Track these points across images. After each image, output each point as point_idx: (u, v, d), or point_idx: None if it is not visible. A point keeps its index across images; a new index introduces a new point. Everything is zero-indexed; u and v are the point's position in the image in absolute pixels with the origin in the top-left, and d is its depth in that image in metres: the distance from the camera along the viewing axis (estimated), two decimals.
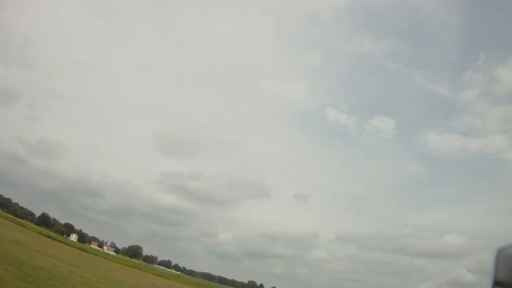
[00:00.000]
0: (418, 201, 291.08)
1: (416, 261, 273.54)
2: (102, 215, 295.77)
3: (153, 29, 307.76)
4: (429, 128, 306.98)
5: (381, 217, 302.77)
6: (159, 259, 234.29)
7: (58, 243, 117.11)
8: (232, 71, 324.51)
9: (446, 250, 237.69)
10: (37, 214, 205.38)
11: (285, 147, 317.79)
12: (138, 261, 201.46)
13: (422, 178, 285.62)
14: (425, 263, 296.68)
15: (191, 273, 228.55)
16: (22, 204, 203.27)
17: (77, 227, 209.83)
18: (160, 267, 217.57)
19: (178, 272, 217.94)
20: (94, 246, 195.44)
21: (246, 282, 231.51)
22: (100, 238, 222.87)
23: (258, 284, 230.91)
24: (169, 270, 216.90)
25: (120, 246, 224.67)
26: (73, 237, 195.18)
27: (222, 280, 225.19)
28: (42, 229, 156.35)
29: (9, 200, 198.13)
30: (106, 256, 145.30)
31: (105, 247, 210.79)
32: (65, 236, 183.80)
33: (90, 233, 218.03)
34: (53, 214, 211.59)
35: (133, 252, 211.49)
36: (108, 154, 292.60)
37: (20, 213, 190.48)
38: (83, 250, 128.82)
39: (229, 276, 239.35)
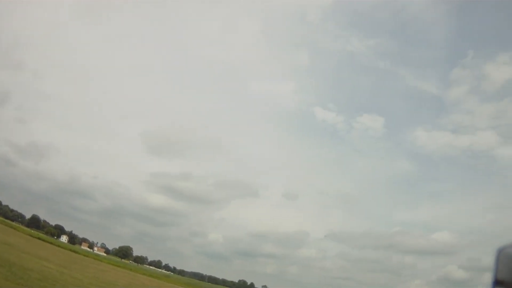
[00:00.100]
0: (408, 199, 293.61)
1: (407, 259, 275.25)
2: (92, 216, 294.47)
3: (140, 30, 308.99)
4: (418, 126, 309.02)
5: (371, 215, 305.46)
6: (149, 259, 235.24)
7: (48, 244, 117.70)
8: (220, 71, 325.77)
9: (436, 247, 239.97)
10: (28, 216, 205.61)
11: (274, 146, 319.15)
12: (128, 261, 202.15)
13: (411, 176, 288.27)
14: (415, 260, 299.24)
15: (181, 273, 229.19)
16: (12, 206, 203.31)
17: (67, 229, 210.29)
18: (151, 267, 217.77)
19: (169, 272, 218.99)
20: (84, 247, 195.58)
21: (237, 281, 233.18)
22: (91, 239, 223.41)
23: (248, 283, 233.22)
24: (160, 270, 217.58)
25: (110, 247, 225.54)
26: (64, 239, 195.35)
27: (212, 280, 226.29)
28: (32, 231, 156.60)
29: None
30: (96, 257, 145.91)
31: (95, 248, 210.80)
32: (55, 237, 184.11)
33: (80, 234, 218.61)
34: (43, 216, 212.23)
35: (123, 252, 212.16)
36: (97, 155, 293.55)
37: (10, 216, 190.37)
38: (74, 251, 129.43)
39: (220, 275, 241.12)
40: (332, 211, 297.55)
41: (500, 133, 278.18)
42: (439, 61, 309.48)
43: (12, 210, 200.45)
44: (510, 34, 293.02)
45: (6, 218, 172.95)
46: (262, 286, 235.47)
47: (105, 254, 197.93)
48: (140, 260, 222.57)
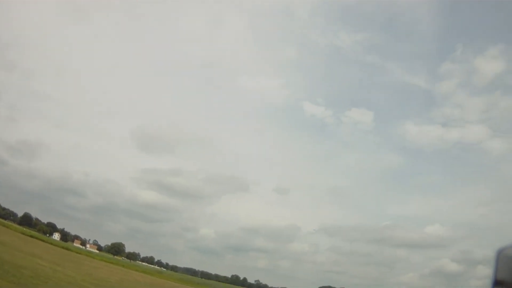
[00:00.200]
0: (399, 192, 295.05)
1: (399, 252, 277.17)
2: (84, 213, 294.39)
3: (128, 28, 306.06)
4: (408, 120, 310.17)
5: (362, 208, 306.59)
6: (142, 255, 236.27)
7: (41, 242, 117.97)
8: (208, 68, 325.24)
9: (428, 241, 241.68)
10: (20, 214, 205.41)
11: (264, 141, 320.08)
12: (121, 258, 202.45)
13: (402, 169, 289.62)
14: (408, 254, 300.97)
15: (174, 268, 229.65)
16: (4, 204, 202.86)
17: (59, 226, 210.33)
18: (143, 263, 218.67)
19: (161, 268, 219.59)
20: (77, 244, 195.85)
21: (229, 276, 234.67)
22: (83, 236, 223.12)
23: (241, 278, 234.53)
24: (152, 266, 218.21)
25: (102, 243, 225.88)
26: (56, 236, 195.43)
27: (205, 275, 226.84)
28: (24, 229, 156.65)
29: None
30: (89, 254, 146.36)
31: (88, 245, 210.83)
32: (47, 235, 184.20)
33: (72, 231, 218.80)
34: (35, 213, 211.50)
35: (116, 249, 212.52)
36: (88, 152, 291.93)
37: (2, 214, 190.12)
38: (66, 248, 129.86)
39: (212, 271, 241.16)
40: (323, 205, 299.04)
41: (490, 126, 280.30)
42: (428, 55, 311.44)
43: (4, 209, 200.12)
44: (499, 28, 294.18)
45: None
46: (255, 281, 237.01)
47: (97, 251, 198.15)
48: (133, 256, 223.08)
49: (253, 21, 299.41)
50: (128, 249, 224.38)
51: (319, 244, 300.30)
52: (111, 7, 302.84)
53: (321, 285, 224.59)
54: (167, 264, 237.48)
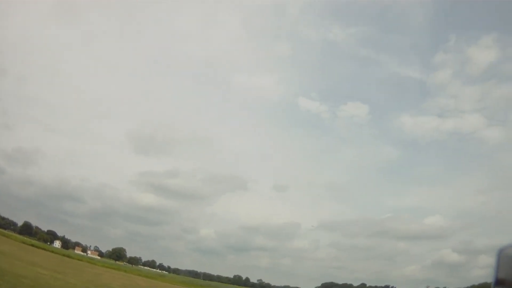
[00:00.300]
0: (398, 185, 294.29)
1: (400, 244, 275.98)
2: (83, 219, 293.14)
3: (120, 29, 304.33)
4: (403, 111, 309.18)
5: (361, 202, 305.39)
6: (143, 259, 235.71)
7: (42, 250, 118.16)
8: (202, 67, 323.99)
9: (429, 232, 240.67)
10: (19, 223, 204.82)
11: (260, 139, 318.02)
12: (122, 263, 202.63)
13: (400, 161, 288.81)
14: (409, 246, 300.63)
15: (176, 271, 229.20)
16: (3, 214, 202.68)
17: (59, 233, 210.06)
18: (145, 267, 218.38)
19: (163, 272, 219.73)
20: (78, 251, 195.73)
21: (232, 276, 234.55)
22: (84, 242, 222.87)
23: (243, 278, 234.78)
24: (154, 270, 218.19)
25: (103, 249, 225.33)
26: (57, 244, 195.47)
27: (207, 277, 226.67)
28: (25, 238, 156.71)
29: None
30: (90, 260, 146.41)
31: (89, 252, 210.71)
32: (48, 243, 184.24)
33: (73, 238, 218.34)
34: (35, 222, 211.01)
35: (117, 254, 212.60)
36: (85, 157, 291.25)
37: (2, 224, 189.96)
38: (67, 256, 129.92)
39: (214, 272, 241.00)
40: (322, 201, 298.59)
41: (486, 115, 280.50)
42: (421, 46, 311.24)
43: (3, 218, 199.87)
44: (492, 17, 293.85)
45: None
46: (257, 280, 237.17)
47: (99, 257, 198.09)
48: (134, 261, 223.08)
49: (246, 19, 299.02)
50: (129, 253, 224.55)
51: (320, 240, 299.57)
52: (102, 9, 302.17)
53: (323, 282, 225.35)
54: (169, 267, 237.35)
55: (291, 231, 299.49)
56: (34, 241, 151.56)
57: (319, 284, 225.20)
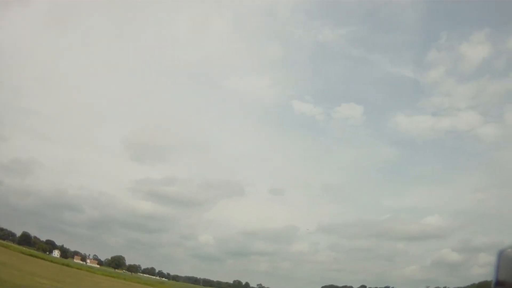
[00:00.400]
0: (395, 185, 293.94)
1: (399, 245, 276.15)
2: (82, 228, 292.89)
3: (110, 36, 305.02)
4: (398, 111, 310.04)
5: (359, 204, 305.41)
6: (143, 267, 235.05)
7: (40, 260, 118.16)
8: (195, 72, 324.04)
9: (428, 232, 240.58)
10: (18, 233, 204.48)
11: (255, 143, 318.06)
12: (122, 271, 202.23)
13: (396, 162, 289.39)
14: (408, 246, 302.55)
15: (175, 278, 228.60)
16: (1, 225, 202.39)
17: (58, 243, 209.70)
18: (145, 275, 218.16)
19: (163, 279, 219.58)
20: (77, 260, 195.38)
21: (232, 282, 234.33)
22: (82, 251, 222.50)
23: (243, 283, 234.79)
24: (154, 277, 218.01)
25: (102, 257, 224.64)
26: (56, 253, 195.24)
27: (207, 283, 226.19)
28: (24, 248, 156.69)
29: None
30: (90, 269, 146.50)
31: (88, 260, 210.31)
32: (47, 253, 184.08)
33: (72, 247, 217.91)
34: (33, 232, 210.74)
35: (116, 262, 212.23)
36: (81, 166, 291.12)
37: (0, 234, 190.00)
38: (66, 265, 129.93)
39: (214, 277, 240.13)
40: (319, 203, 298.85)
41: (481, 112, 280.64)
42: (413, 45, 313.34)
43: (2, 229, 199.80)
44: (483, 13, 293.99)
45: None
46: (257, 285, 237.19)
47: (98, 266, 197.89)
48: (134, 268, 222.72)
49: (237, 22, 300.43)
50: (129, 261, 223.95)
51: (319, 243, 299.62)
52: (93, 16, 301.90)
53: (323, 285, 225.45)
54: (168, 274, 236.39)
55: (289, 235, 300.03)
56: (33, 251, 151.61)
57: (319, 287, 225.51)
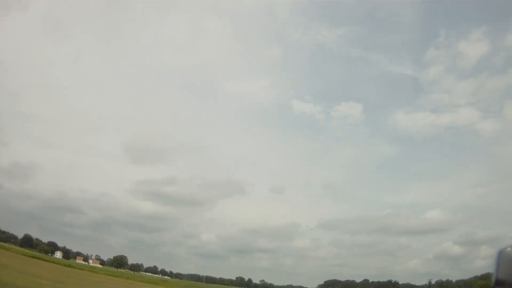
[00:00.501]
0: (396, 181, 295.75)
1: (401, 240, 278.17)
2: (83, 229, 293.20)
3: (109, 41, 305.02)
4: (397, 109, 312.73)
5: (360, 200, 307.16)
6: (145, 266, 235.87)
7: (43, 262, 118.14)
8: (193, 73, 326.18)
9: (429, 226, 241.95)
10: (20, 236, 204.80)
11: (256, 142, 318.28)
12: (124, 270, 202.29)
13: (397, 158, 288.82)
14: (410, 241, 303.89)
15: (178, 276, 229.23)
16: (3, 228, 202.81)
17: (60, 244, 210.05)
18: (147, 273, 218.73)
19: (166, 277, 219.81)
20: (79, 261, 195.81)
21: (234, 278, 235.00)
22: (85, 252, 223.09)
23: (246, 280, 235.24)
24: (157, 275, 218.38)
25: (105, 258, 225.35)
26: (58, 255, 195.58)
27: (210, 280, 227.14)
28: (26, 250, 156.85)
29: None
30: (92, 269, 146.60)
31: (90, 261, 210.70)
32: (49, 254, 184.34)
33: (74, 248, 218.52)
34: (35, 234, 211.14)
35: (119, 262, 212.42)
36: (81, 169, 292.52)
37: (2, 237, 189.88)
38: (69, 266, 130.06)
39: (217, 275, 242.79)
40: (321, 200, 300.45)
41: (481, 108, 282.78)
42: (412, 43, 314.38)
43: (4, 232, 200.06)
44: (480, 10, 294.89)
45: None
46: (260, 281, 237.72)
47: (100, 266, 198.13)
48: (136, 267, 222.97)
49: (236, 24, 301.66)
50: (131, 260, 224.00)
51: (321, 239, 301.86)
52: (91, 22, 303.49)
53: (326, 279, 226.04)
54: (171, 272, 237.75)
55: (291, 232, 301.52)
56: (35, 253, 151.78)
57: (322, 282, 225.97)
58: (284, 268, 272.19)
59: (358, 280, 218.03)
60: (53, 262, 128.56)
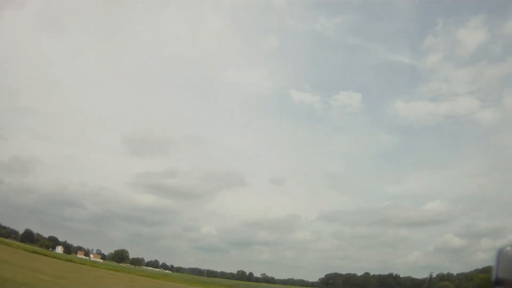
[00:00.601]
0: (396, 171, 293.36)
1: (402, 232, 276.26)
2: (84, 223, 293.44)
3: (108, 34, 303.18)
4: (396, 98, 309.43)
5: (360, 191, 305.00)
6: (146, 260, 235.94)
7: (44, 257, 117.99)
8: (191, 66, 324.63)
9: (430, 217, 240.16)
10: (21, 231, 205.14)
11: (254, 133, 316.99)
12: (125, 265, 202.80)
13: (396, 148, 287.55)
14: (411, 233, 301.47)
15: (179, 270, 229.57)
16: (4, 223, 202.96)
17: (61, 239, 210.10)
18: (148, 268, 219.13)
19: (167, 271, 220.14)
20: (80, 255, 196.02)
21: (235, 272, 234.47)
22: (86, 246, 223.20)
23: (247, 273, 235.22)
24: (158, 270, 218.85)
25: (106, 252, 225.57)
26: (59, 249, 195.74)
27: (211, 273, 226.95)
28: (27, 245, 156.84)
29: None
30: (93, 264, 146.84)
31: (91, 255, 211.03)
32: (50, 249, 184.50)
33: (75, 243, 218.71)
34: (36, 229, 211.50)
35: (120, 256, 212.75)
36: (81, 163, 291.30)
37: (3, 233, 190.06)
38: (70, 260, 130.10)
39: (218, 268, 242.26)
40: (321, 192, 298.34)
41: (479, 97, 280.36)
42: (410, 31, 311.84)
43: (4, 227, 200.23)
44: None
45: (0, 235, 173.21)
46: (261, 274, 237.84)
47: (101, 260, 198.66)
48: (137, 262, 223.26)
49: (232, 15, 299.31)
50: (132, 254, 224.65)
51: (321, 231, 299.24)
52: (92, 15, 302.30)
53: (327, 273, 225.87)
54: (172, 266, 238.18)
55: (292, 224, 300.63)
56: (36, 248, 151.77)
57: (323, 276, 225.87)
58: (285, 261, 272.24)
59: (359, 273, 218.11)
60: (54, 257, 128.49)
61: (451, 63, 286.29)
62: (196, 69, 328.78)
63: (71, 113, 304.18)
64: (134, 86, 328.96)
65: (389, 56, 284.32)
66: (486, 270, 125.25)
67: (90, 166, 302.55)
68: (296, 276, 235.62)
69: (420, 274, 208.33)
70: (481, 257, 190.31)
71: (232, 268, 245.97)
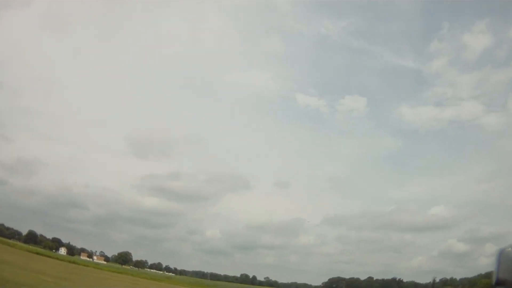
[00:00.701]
0: (400, 175, 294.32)
1: (406, 236, 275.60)
2: (87, 225, 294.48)
3: (109, 35, 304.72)
4: (401, 102, 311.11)
5: (365, 195, 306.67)
6: (150, 262, 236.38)
7: (47, 258, 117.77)
8: (194, 67, 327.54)
9: (434, 222, 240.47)
10: (24, 232, 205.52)
11: (259, 136, 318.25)
12: (129, 267, 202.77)
13: (401, 153, 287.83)
14: (415, 237, 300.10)
15: (182, 273, 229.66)
16: (7, 224, 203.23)
17: (64, 240, 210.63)
18: (152, 270, 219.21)
19: (170, 274, 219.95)
20: (83, 257, 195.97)
21: (239, 275, 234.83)
22: (89, 248, 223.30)
23: (250, 277, 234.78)
24: (161, 272, 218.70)
25: (109, 254, 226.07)
26: (62, 251, 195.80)
27: (214, 277, 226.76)
28: (30, 246, 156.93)
29: None
30: (96, 265, 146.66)
31: (95, 257, 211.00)
32: (54, 250, 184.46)
33: (78, 244, 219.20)
34: (40, 230, 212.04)
35: (123, 258, 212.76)
36: (85, 164, 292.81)
37: (7, 234, 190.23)
38: (73, 262, 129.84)
39: (221, 271, 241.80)
40: (325, 195, 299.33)
41: (484, 102, 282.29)
42: (415, 35, 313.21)
43: (8, 228, 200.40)
44: (484, 2, 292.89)
45: (3, 236, 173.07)
46: (265, 278, 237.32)
47: (105, 262, 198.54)
48: (141, 264, 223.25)
49: (236, 16, 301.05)
50: (135, 257, 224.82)
51: (326, 235, 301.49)
52: (94, 15, 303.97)
53: (330, 277, 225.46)
54: (175, 269, 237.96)
55: (296, 228, 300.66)
56: (39, 249, 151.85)
57: (326, 280, 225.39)
58: (289, 265, 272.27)
59: (363, 277, 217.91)
60: (57, 259, 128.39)
61: (456, 68, 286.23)
62: (200, 70, 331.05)
63: (71, 113, 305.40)
64: (135, 86, 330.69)
65: (394, 60, 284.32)
66: (489, 275, 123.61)
67: (94, 168, 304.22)
68: (300, 280, 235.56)
69: (424, 279, 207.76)
70: (484, 262, 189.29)
71: (235, 272, 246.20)
